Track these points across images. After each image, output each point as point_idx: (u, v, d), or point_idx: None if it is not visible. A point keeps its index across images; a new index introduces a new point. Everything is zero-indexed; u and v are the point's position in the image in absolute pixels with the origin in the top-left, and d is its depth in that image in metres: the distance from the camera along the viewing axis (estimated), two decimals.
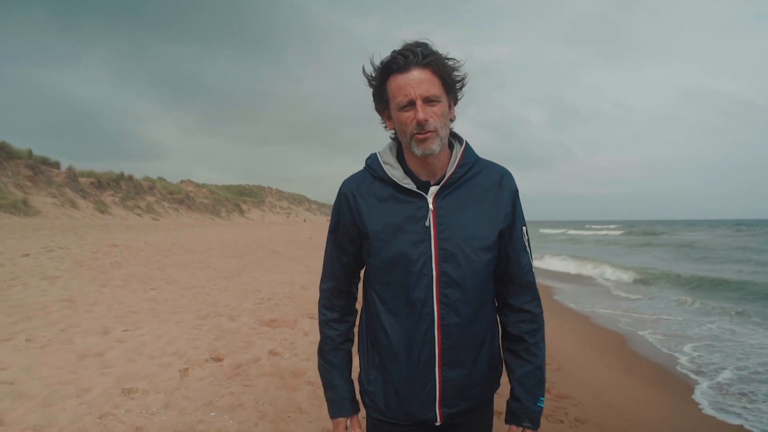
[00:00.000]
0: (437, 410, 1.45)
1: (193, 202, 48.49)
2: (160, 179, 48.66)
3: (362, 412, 1.56)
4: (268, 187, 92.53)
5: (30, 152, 32.25)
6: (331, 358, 1.55)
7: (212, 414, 3.32)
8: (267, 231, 30.69)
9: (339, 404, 1.53)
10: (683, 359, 5.87)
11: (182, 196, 47.06)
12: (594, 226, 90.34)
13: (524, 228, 1.53)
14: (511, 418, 1.51)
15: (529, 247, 1.55)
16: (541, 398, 1.49)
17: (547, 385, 4.21)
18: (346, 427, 1.53)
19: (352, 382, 1.58)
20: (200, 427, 3.11)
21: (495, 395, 1.59)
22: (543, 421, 3.71)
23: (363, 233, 1.46)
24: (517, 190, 1.51)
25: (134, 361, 4.14)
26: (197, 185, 63.83)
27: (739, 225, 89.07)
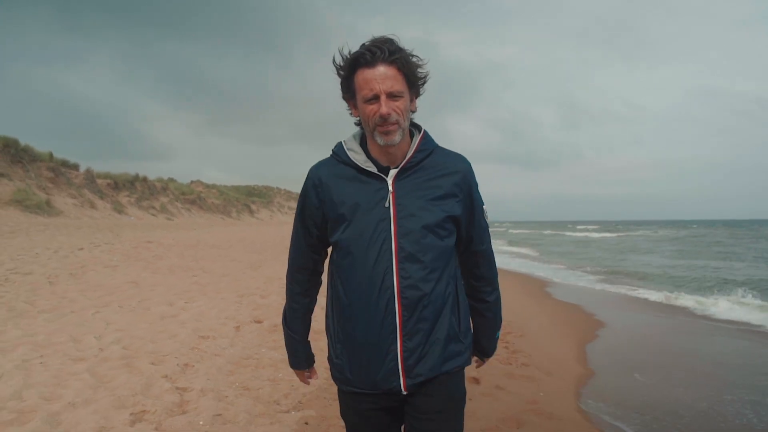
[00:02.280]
0: (401, 379, 1.55)
1: (204, 203, 50.33)
2: (171, 180, 50.59)
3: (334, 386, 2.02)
4: (277, 188, 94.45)
5: (51, 155, 34.15)
6: (293, 326, 1.81)
7: (262, 350, 4.93)
8: (279, 230, 32.40)
9: (298, 362, 1.85)
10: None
11: (194, 197, 48.95)
12: (581, 226, 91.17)
13: (483, 207, 1.70)
14: (476, 353, 1.84)
15: (487, 222, 1.74)
16: (497, 334, 1.83)
17: (506, 345, 5.78)
18: (306, 375, 1.91)
19: (308, 342, 1.87)
20: (256, 356, 4.71)
21: (466, 368, 1.72)
22: (497, 364, 5.26)
23: (326, 215, 1.61)
24: (470, 171, 1.66)
25: (200, 321, 5.77)
26: (207, 186, 65.77)
27: (750, 225, 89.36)
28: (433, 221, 1.54)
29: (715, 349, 6.58)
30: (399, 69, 1.49)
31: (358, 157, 1.58)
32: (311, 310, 1.82)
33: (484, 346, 1.81)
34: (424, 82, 1.59)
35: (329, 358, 1.71)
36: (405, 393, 1.57)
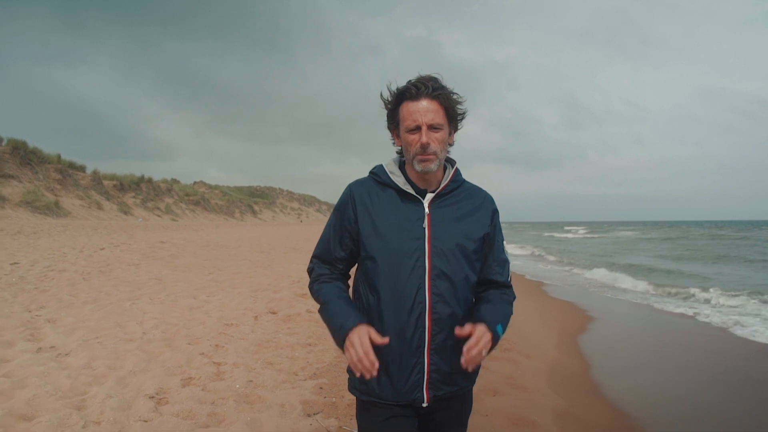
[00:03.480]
0: (425, 392, 1.63)
1: (208, 204, 51.23)
2: (175, 181, 51.54)
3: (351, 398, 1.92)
4: (279, 188, 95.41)
5: (59, 157, 35.08)
6: (327, 292, 1.72)
7: (279, 335, 5.78)
8: (284, 230, 33.29)
9: (351, 319, 1.60)
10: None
11: (198, 198, 49.86)
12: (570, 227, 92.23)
13: (503, 241, 1.82)
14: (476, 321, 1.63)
15: (507, 256, 1.83)
16: (500, 326, 1.64)
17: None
18: (365, 336, 1.56)
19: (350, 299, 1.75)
20: (275, 340, 5.55)
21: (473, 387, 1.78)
22: None
23: (362, 230, 1.70)
24: (496, 210, 1.80)
25: (223, 311, 6.63)
26: (210, 186, 66.78)
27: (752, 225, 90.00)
28: (464, 244, 1.67)
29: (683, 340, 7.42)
30: (441, 104, 1.63)
31: (399, 180, 1.71)
32: (342, 281, 1.81)
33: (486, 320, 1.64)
34: (463, 118, 1.73)
35: (349, 370, 1.71)
36: (425, 406, 1.66)
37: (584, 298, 10.91)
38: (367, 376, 1.54)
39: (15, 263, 8.52)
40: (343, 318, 1.61)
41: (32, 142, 32.79)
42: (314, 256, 1.83)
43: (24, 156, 31.70)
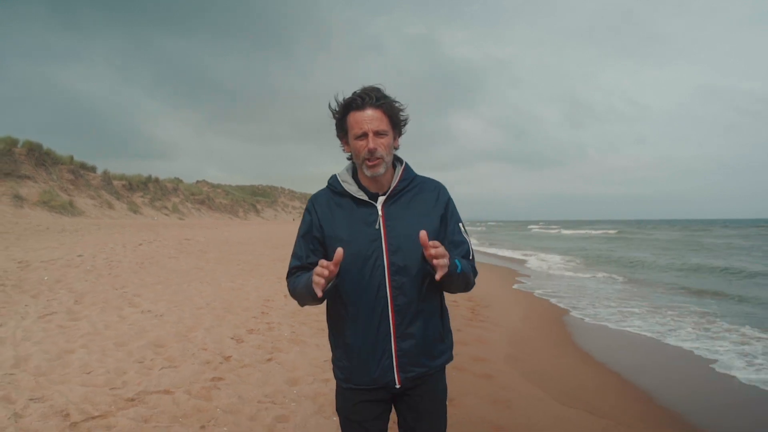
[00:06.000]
0: (395, 374, 1.87)
1: (212, 203, 53.25)
2: (179, 180, 53.55)
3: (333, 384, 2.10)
4: (281, 187, 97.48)
5: (71, 158, 37.07)
6: (299, 277, 1.93)
7: (306, 308, 7.75)
8: (288, 228, 35.30)
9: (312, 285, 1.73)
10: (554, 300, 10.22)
11: (203, 197, 51.89)
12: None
13: (460, 224, 2.00)
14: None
15: (467, 237, 2.00)
16: (459, 262, 1.83)
17: (473, 309, 8.61)
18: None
19: None
20: (304, 311, 7.49)
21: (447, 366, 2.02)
22: (463, 319, 8.06)
23: (324, 237, 1.92)
24: (449, 198, 2.00)
25: (259, 291, 8.60)
26: (212, 185, 68.78)
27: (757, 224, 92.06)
28: (417, 239, 1.74)
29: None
30: (384, 112, 1.83)
31: (351, 187, 1.90)
32: None
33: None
34: (405, 124, 1.94)
35: (332, 361, 2.02)
36: (398, 387, 1.89)
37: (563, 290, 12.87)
38: (326, 273, 1.67)
39: (80, 255, 10.52)
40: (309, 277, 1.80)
41: (24, 139, 34.00)
42: (291, 268, 2.00)
43: (39, 157, 33.69)
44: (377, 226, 1.86)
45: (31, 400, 3.65)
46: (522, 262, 20.57)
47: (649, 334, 7.62)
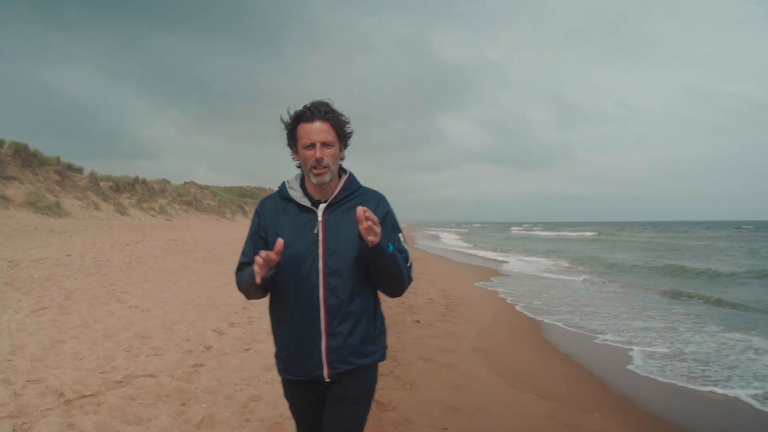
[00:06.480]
0: (325, 369, 2.01)
1: (200, 204, 53.38)
2: (166, 181, 53.62)
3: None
4: (269, 188, 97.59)
5: (58, 159, 37.10)
6: (244, 272, 2.12)
7: None
8: None
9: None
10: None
11: (190, 198, 52.03)
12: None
13: (400, 234, 2.14)
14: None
15: (407, 247, 2.13)
16: (391, 246, 1.98)
17: (447, 305, 9.09)
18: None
19: None
20: None
21: (378, 364, 2.15)
22: (437, 315, 8.51)
23: (269, 239, 2.05)
24: (389, 211, 2.13)
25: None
26: (200, 187, 68.83)
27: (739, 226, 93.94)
28: (355, 243, 1.96)
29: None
30: (332, 125, 1.99)
31: (296, 194, 2.07)
32: None
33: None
34: (351, 136, 2.11)
35: (275, 355, 2.17)
36: (328, 380, 2.04)
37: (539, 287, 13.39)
38: (260, 261, 1.84)
39: (69, 255, 10.86)
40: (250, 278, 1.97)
41: (10, 139, 33.97)
42: (240, 264, 2.18)
43: (25, 158, 33.71)
44: (316, 231, 2.01)
45: (28, 381, 4.06)
46: (501, 263, 21.15)
47: (612, 333, 8.15)
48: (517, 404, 4.79)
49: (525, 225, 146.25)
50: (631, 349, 6.91)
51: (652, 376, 5.82)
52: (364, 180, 2.21)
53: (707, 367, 6.09)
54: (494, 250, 29.91)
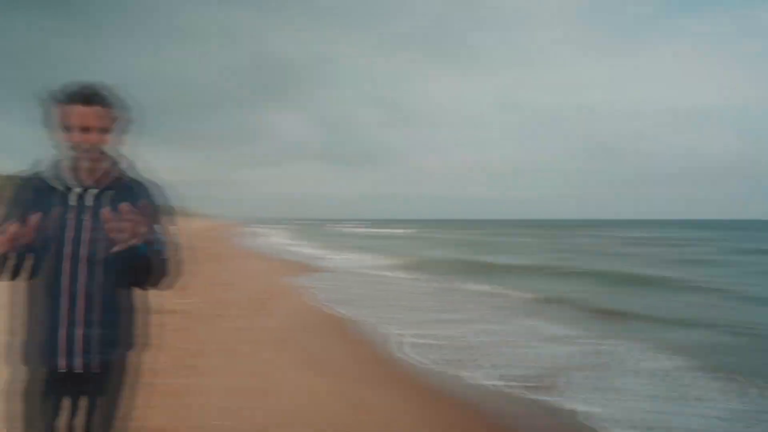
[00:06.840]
0: (77, 359, 1.89)
1: None
2: None
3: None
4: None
5: None
6: None
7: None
8: None
9: None
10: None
11: None
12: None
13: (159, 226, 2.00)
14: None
15: (173, 239, 2.02)
16: (145, 246, 1.80)
17: (262, 301, 9.33)
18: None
19: None
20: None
21: (128, 362, 2.03)
22: (250, 310, 8.65)
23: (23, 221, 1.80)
24: (161, 195, 2.03)
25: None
26: None
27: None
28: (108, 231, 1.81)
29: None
30: (104, 108, 1.86)
31: (52, 177, 1.91)
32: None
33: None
34: (120, 124, 1.94)
35: (21, 346, 1.95)
36: (82, 372, 1.91)
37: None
38: (9, 234, 1.67)
39: None
40: None
41: None
42: None
43: None
44: (69, 216, 1.86)
45: None
46: (319, 258, 22.09)
47: (396, 324, 9.11)
48: (305, 385, 5.22)
49: (355, 222, 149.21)
50: (404, 336, 7.68)
51: (419, 359, 6.60)
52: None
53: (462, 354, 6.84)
54: (315, 247, 30.48)
